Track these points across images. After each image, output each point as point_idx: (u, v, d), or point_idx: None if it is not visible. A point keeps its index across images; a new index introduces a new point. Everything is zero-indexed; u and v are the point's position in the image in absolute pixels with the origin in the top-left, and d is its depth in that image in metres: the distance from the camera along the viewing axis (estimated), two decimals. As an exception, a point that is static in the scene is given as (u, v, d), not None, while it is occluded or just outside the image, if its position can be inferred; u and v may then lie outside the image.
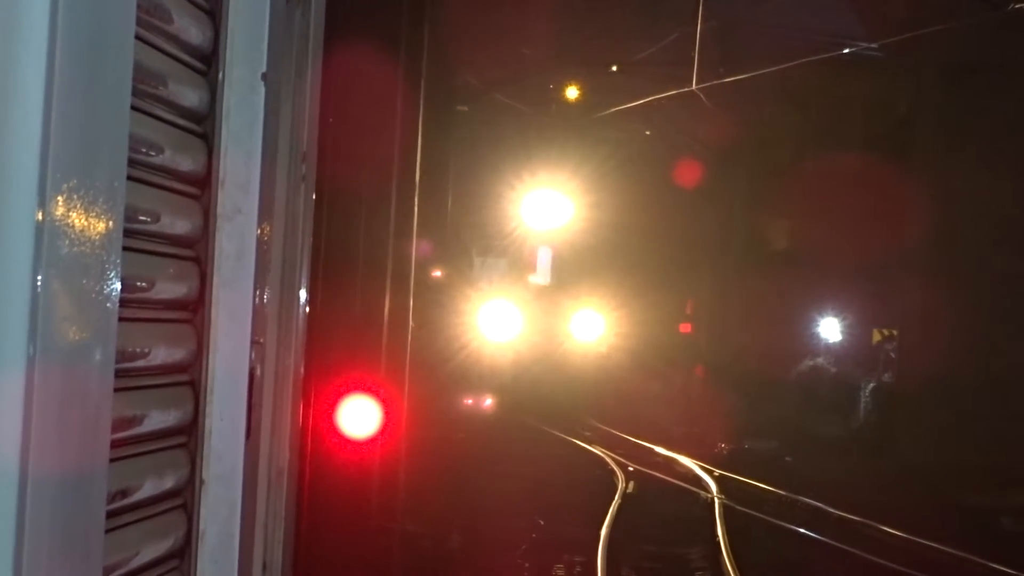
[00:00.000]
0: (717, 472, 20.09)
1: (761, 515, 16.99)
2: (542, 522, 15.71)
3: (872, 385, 33.35)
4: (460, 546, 13.40)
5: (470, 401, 23.31)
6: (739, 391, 27.41)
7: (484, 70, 22.58)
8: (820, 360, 31.29)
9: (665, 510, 17.00)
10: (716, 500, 17.58)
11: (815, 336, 30.87)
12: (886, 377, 32.90)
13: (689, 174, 31.09)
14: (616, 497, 17.40)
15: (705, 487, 18.82)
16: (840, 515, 18.44)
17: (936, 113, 25.65)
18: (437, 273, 26.59)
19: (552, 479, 18.66)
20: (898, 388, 29.56)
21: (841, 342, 32.65)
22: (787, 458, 22.89)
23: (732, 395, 27.25)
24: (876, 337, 39.85)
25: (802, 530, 17.44)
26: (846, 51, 24.16)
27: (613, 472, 19.94)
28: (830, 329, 31.40)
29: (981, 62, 23.89)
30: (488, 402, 24.45)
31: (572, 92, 26.13)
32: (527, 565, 13.87)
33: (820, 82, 24.22)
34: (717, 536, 15.48)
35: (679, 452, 22.30)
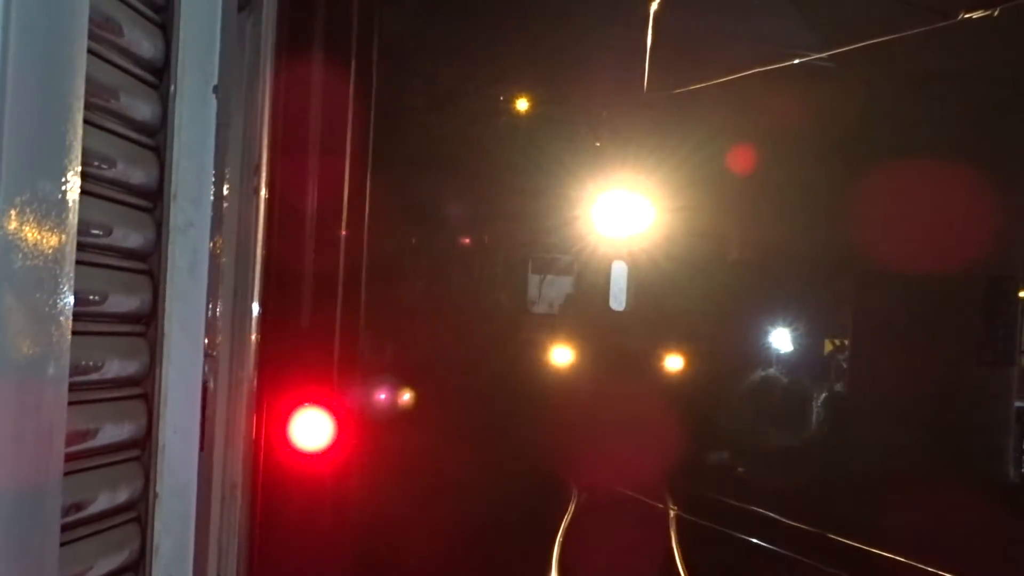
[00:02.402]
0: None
1: (714, 525, 17.05)
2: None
3: (824, 395, 33.49)
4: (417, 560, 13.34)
5: None
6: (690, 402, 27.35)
7: (435, 79, 22.61)
8: (772, 371, 31.32)
9: (619, 521, 17.00)
10: (670, 511, 17.64)
11: (767, 346, 30.85)
12: (838, 387, 33.05)
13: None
14: (570, 508, 17.37)
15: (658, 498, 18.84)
16: (790, 524, 18.52)
17: (887, 121, 25.77)
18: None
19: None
20: (849, 398, 29.66)
21: (793, 352, 32.73)
22: (739, 468, 23.02)
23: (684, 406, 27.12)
24: (828, 347, 40.00)
25: (754, 539, 17.51)
26: (797, 61, 24.25)
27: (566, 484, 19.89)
28: (781, 339, 31.46)
29: (934, 70, 24.04)
30: None
31: (523, 104, 26.00)
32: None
33: (772, 91, 24.29)
34: (671, 545, 15.54)
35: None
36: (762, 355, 32.85)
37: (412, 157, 20.51)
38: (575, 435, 20.83)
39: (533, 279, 26.30)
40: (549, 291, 26.44)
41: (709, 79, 20.15)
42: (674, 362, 26.38)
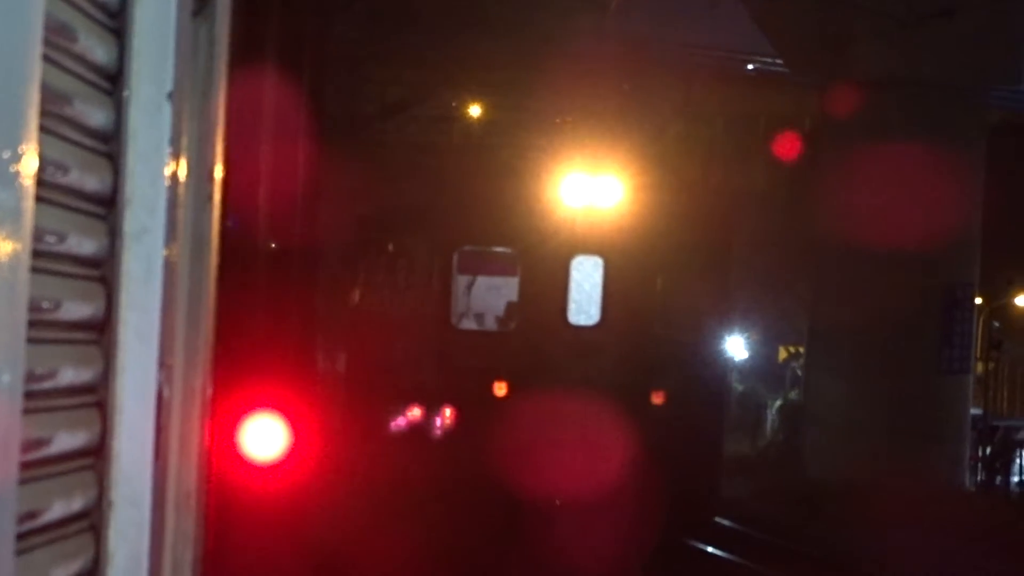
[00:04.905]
0: None
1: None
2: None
3: (779, 402, 33.70)
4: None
5: None
6: None
7: (387, 86, 22.40)
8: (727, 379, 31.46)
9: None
10: None
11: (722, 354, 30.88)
12: (792, 395, 33.25)
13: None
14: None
15: None
16: (744, 531, 18.64)
17: (839, 128, 25.95)
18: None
19: None
20: (803, 405, 29.85)
21: (748, 360, 32.92)
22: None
23: None
24: (783, 355, 40.26)
25: (710, 549, 17.59)
26: (750, 67, 24.42)
27: None
28: (736, 347, 31.60)
29: (891, 77, 24.23)
30: None
31: (475, 110, 25.89)
32: None
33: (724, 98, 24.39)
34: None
35: None
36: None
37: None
38: None
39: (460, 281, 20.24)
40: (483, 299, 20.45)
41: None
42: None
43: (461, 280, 20.04)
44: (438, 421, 17.94)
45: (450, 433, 17.96)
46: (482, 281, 20.15)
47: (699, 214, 19.40)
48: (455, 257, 19.92)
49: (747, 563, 17.52)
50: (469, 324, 20.20)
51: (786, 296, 31.45)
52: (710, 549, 17.99)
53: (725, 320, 21.02)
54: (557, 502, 16.73)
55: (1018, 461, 32.99)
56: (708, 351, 19.65)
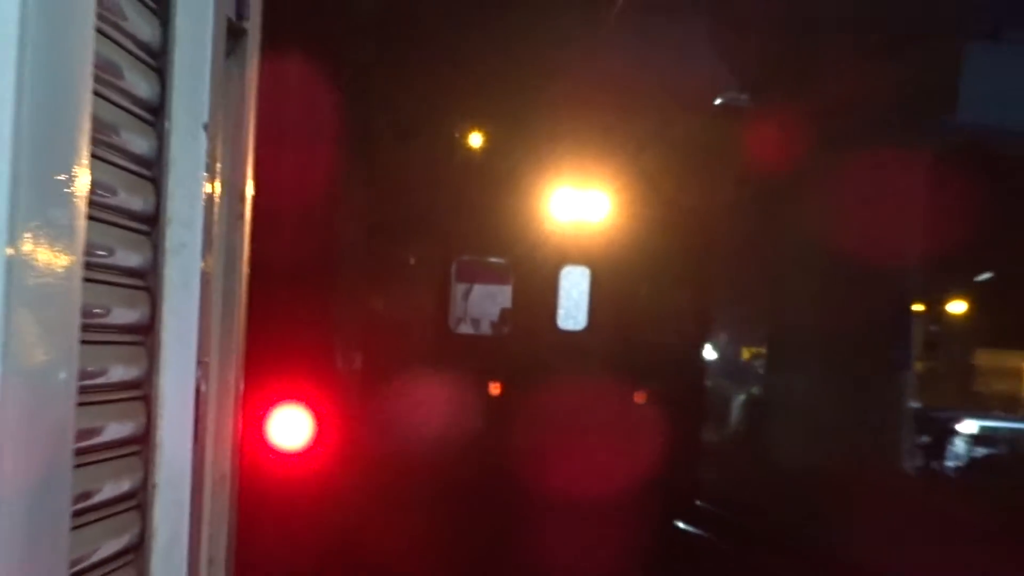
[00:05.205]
0: None
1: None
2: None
3: (743, 397, 33.72)
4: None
5: None
6: None
7: (398, 113, 21.96)
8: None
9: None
10: None
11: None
12: (755, 390, 33.29)
13: None
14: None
15: None
16: (719, 512, 18.63)
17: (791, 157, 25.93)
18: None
19: None
20: (764, 399, 29.92)
21: (716, 360, 32.92)
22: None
23: None
24: (746, 355, 40.24)
25: (693, 529, 17.60)
26: (717, 102, 24.42)
27: None
28: (709, 349, 31.63)
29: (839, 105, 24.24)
30: None
31: (475, 136, 25.57)
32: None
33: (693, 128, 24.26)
34: None
35: None
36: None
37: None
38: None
39: (458, 289, 19.86)
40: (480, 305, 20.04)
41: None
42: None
43: (459, 287, 19.73)
44: (438, 417, 17.84)
45: (448, 428, 17.82)
46: (478, 289, 19.81)
47: (678, 228, 19.16)
48: (453, 266, 19.59)
49: (726, 543, 17.58)
50: (466, 328, 19.87)
51: (748, 302, 31.43)
52: (693, 529, 18.01)
53: (701, 325, 20.77)
54: (548, 490, 16.70)
55: (950, 447, 33.32)
56: (686, 353, 19.44)
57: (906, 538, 16.77)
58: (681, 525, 18.02)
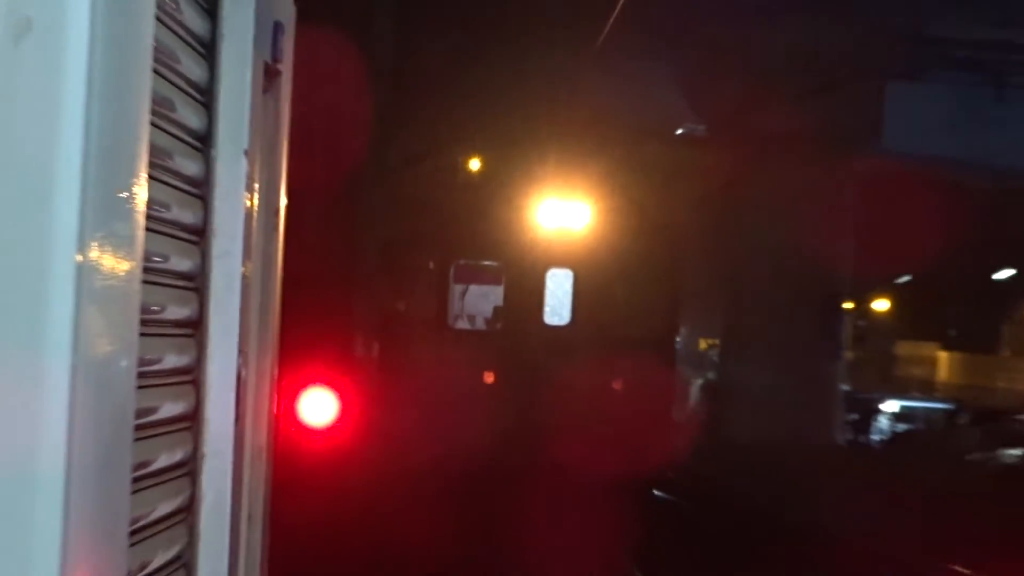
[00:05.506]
0: None
1: None
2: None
3: (700, 381, 33.69)
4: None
5: None
6: None
7: (407, 143, 21.73)
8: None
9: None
10: None
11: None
12: (710, 375, 33.28)
13: None
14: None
15: None
16: (685, 482, 18.62)
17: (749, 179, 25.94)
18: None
19: None
20: (719, 384, 29.94)
21: (679, 349, 32.83)
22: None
23: None
24: (703, 345, 40.20)
25: (669, 496, 17.60)
26: (679, 131, 24.39)
27: None
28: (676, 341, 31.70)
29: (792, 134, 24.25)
30: None
31: (474, 161, 25.38)
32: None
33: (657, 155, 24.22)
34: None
35: None
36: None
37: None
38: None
39: (455, 289, 19.44)
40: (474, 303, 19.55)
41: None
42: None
43: (456, 288, 19.63)
44: (440, 399, 17.80)
45: (449, 408, 17.61)
46: (473, 289, 19.69)
47: (651, 235, 19.15)
48: (451, 269, 19.48)
49: (692, 507, 17.67)
50: (463, 324, 19.72)
51: (706, 300, 31.42)
52: (669, 496, 18.05)
53: (669, 320, 20.75)
54: (536, 468, 16.67)
55: (874, 424, 33.66)
56: (658, 345, 19.37)
57: (835, 499, 16.83)
58: (657, 492, 18.03)
